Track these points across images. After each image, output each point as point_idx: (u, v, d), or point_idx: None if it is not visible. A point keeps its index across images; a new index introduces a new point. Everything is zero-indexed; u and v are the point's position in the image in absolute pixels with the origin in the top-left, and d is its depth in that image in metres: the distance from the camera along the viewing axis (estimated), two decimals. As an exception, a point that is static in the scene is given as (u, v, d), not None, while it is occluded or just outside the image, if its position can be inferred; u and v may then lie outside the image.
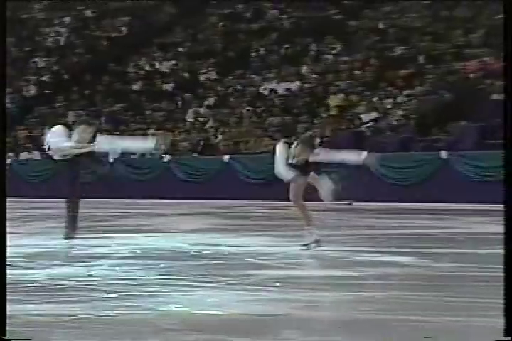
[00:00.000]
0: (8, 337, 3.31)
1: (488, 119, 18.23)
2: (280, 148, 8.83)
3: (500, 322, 4.51)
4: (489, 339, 4.11)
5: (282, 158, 8.74)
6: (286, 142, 8.90)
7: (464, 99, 19.22)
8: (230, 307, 5.10)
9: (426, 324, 4.49)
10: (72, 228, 9.66)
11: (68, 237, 9.53)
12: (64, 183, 10.10)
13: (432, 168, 16.86)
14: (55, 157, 10.05)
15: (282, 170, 8.73)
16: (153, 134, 19.38)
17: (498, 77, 19.25)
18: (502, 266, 6.83)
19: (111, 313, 4.99)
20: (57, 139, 9.88)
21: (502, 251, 8.14)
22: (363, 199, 15.94)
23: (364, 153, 8.95)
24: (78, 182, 10.01)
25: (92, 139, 9.95)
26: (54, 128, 10.01)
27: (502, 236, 10.38)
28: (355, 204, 15.69)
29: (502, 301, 5.20)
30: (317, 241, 8.31)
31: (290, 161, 8.63)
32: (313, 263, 7.21)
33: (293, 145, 8.72)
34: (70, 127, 10.14)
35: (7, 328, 3.92)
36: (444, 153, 16.78)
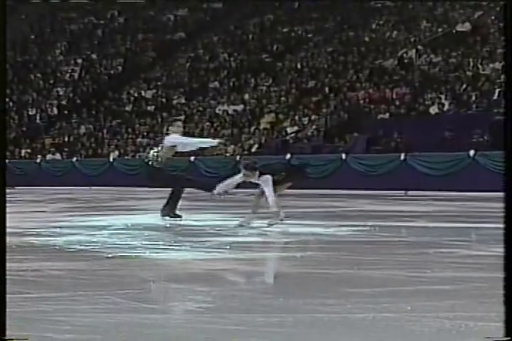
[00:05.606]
0: (7, 336, 2.78)
1: (373, 132, 18.39)
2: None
3: (383, 273, 4.50)
4: (371, 285, 4.08)
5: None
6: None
7: (356, 118, 19.40)
8: (193, 263, 5.03)
9: (330, 275, 4.47)
10: (171, 209, 8.61)
11: (168, 215, 8.55)
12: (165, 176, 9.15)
13: (335, 166, 16.95)
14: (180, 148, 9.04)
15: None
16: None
17: (379, 103, 19.42)
18: (386, 234, 6.84)
19: (108, 268, 4.89)
20: (185, 140, 9.00)
21: (383, 223, 8.14)
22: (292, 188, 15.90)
23: None
24: (176, 174, 9.29)
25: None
26: (173, 135, 8.83)
27: (383, 213, 10.34)
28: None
29: (384, 258, 5.20)
30: (281, 220, 7.57)
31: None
32: (253, 232, 7.16)
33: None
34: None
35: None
36: (343, 155, 16.87)
